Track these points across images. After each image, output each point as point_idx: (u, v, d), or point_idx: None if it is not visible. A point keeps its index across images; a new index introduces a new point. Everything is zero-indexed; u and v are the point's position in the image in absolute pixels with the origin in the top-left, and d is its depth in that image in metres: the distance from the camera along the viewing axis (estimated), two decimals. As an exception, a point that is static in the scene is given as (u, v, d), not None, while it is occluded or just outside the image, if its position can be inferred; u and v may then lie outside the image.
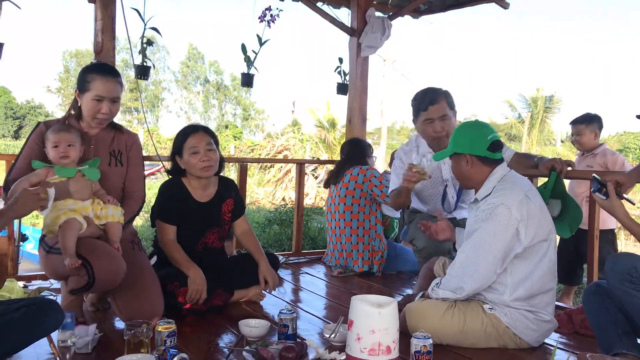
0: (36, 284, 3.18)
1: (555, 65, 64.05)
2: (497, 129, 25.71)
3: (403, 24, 5.55)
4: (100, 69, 2.64)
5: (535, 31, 73.45)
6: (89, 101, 2.55)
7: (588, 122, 4.07)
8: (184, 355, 1.90)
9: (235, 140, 27.77)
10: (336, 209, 3.92)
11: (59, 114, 41.41)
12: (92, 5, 3.51)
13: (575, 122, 4.12)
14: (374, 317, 1.87)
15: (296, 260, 4.26)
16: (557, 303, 2.71)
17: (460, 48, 74.73)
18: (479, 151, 2.41)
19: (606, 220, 3.82)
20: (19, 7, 3.67)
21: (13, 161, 2.57)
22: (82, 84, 2.56)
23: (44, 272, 2.74)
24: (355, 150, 4.08)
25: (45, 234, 2.43)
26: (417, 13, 5.39)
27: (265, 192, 13.62)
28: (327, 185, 4.16)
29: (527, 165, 3.03)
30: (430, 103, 3.10)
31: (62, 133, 2.45)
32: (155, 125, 28.61)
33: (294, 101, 17.97)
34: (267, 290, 3.05)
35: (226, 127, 38.20)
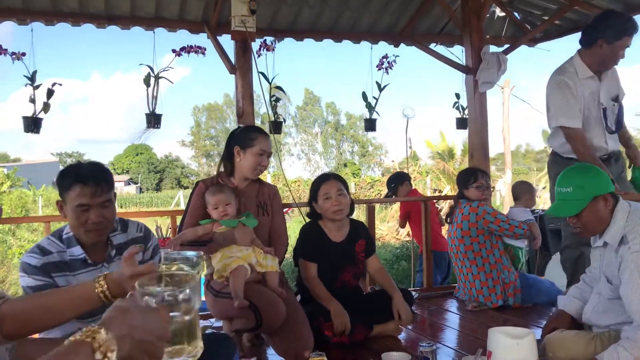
0: (200, 323, 3.60)
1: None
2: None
3: (518, 50, 5.53)
4: (260, 130, 3.08)
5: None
6: (253, 155, 2.95)
7: None
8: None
9: (354, 177, 28.30)
10: (457, 249, 3.95)
11: (193, 165, 44.98)
12: (233, 75, 4.03)
13: None
14: (513, 348, 1.95)
15: (429, 295, 4.36)
16: None
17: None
18: (611, 187, 2.33)
19: None
20: (171, 82, 4.31)
21: (181, 217, 3.02)
22: (246, 141, 2.96)
23: (208, 312, 3.14)
24: (458, 185, 4.10)
25: (216, 278, 2.81)
26: (532, 42, 5.38)
27: (389, 228, 13.73)
28: (446, 221, 4.24)
29: None
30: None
31: (218, 195, 2.84)
32: (279, 169, 30.22)
33: (409, 137, 18.17)
34: (402, 325, 3.20)
35: (345, 165, 39.05)
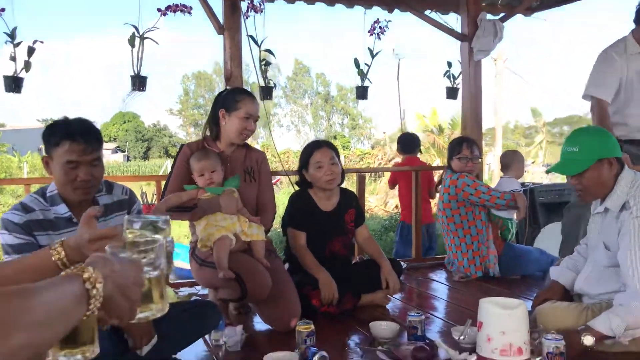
0: (185, 290, 3.55)
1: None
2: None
3: (513, 21, 5.46)
4: (247, 92, 2.95)
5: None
6: (239, 119, 2.83)
7: None
8: (324, 353, 2.07)
9: (344, 150, 28.23)
10: (442, 221, 3.96)
11: (181, 134, 44.58)
12: (221, 36, 3.88)
13: None
14: (504, 319, 1.92)
15: (417, 266, 4.33)
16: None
17: (578, 43, 69.34)
18: (618, 152, 2.28)
19: None
20: (157, 43, 4.14)
21: (165, 182, 2.92)
22: (232, 104, 2.84)
23: (194, 280, 3.08)
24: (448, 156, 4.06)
25: (200, 247, 2.73)
26: (529, 10, 5.26)
27: (377, 200, 13.73)
28: (436, 192, 4.21)
29: None
30: None
31: (203, 161, 2.73)
32: (268, 139, 30.06)
33: (404, 109, 18.07)
34: (389, 294, 3.16)
35: (335, 137, 38.88)
